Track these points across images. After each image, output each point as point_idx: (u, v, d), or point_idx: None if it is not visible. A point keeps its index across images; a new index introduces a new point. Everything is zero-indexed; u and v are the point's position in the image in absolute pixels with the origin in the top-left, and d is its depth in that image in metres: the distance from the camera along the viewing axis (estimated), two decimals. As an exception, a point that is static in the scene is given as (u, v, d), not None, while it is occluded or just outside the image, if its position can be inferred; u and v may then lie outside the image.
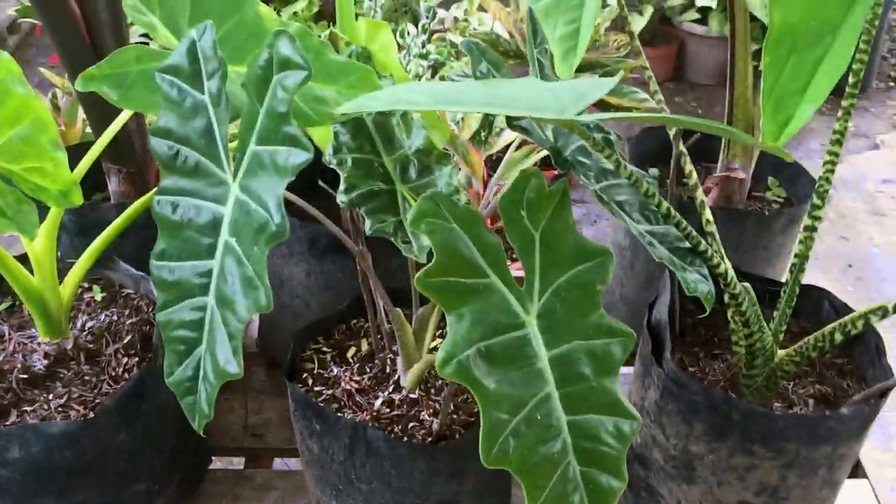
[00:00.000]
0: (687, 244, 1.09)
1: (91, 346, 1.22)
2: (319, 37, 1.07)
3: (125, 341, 1.24)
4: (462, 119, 2.05)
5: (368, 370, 1.28)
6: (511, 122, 0.99)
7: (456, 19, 2.56)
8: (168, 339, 0.92)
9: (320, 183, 1.31)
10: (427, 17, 2.05)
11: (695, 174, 1.23)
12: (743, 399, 1.22)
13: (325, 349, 1.32)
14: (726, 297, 1.24)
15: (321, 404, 1.19)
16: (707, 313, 1.09)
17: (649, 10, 3.75)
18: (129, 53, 1.01)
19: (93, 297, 1.32)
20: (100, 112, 1.45)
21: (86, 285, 1.35)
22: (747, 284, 1.18)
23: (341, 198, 1.10)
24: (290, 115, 0.84)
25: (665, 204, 1.04)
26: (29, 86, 1.01)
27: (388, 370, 1.28)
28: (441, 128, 1.30)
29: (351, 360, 1.31)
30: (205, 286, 0.90)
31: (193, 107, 0.91)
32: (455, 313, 0.86)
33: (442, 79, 2.15)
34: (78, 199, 1.06)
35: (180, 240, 0.92)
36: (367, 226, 1.09)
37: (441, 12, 2.49)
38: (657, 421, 1.25)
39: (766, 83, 0.98)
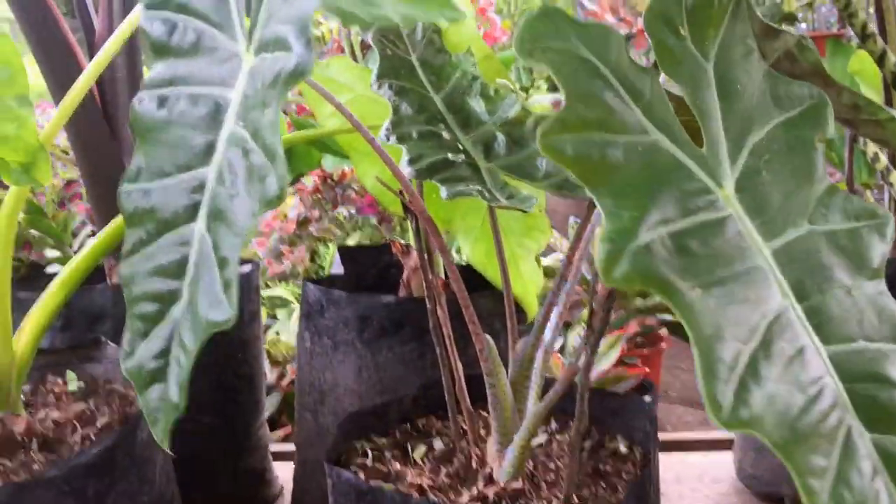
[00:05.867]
0: None
1: (51, 434, 0.86)
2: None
3: (99, 425, 0.86)
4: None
5: (446, 467, 0.88)
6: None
7: None
8: (132, 300, 0.59)
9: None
10: None
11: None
12: None
13: (382, 446, 0.93)
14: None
15: (379, 489, 0.79)
16: None
17: None
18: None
19: (64, 390, 0.96)
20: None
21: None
22: None
23: (405, 169, 0.80)
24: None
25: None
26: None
27: (475, 466, 0.88)
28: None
29: (421, 461, 0.91)
30: (193, 208, 0.59)
31: (201, -43, 0.66)
32: (606, 191, 0.52)
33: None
34: (46, 175, 0.78)
35: (166, 144, 0.62)
36: (443, 193, 0.78)
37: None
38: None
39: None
